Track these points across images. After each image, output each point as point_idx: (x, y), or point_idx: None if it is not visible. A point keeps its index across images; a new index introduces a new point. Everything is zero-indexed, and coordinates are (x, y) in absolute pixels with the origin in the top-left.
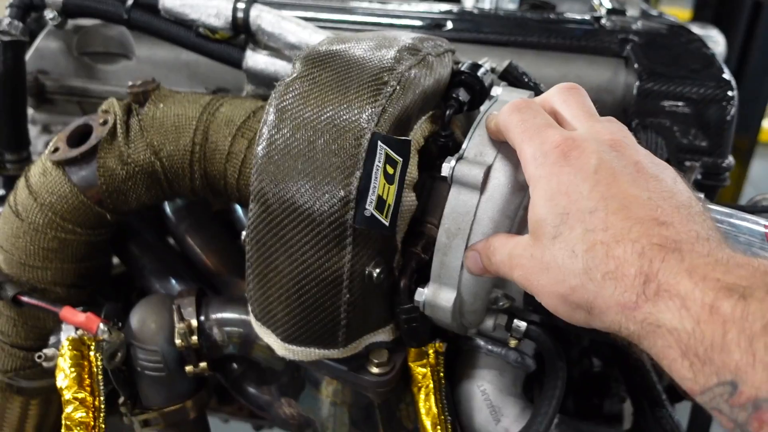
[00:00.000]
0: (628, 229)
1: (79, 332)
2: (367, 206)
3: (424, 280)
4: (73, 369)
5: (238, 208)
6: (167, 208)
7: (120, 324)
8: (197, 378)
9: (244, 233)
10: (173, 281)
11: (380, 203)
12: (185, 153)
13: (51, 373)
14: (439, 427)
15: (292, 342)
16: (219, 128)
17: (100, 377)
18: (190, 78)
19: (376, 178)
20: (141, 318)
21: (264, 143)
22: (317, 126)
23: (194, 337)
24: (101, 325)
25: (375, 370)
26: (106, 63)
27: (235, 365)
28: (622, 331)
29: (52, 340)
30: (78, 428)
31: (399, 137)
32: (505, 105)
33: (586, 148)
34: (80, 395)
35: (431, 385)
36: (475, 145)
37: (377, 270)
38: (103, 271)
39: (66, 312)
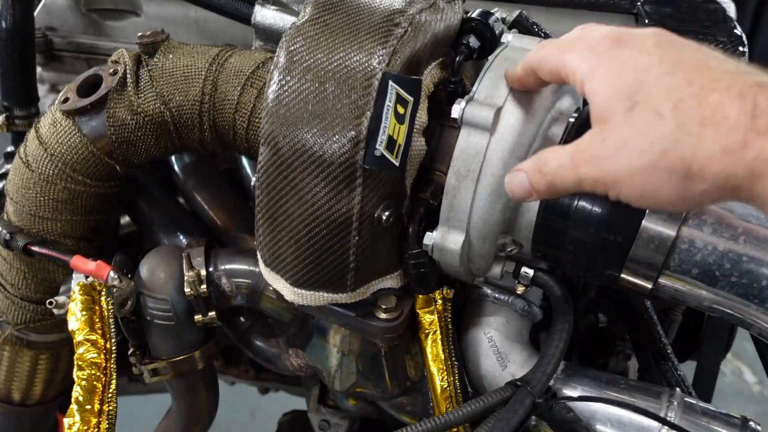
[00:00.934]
0: (716, 79)
1: (90, 279)
2: (377, 146)
3: (432, 226)
4: (84, 312)
5: (246, 166)
6: (175, 165)
7: (129, 275)
8: (205, 329)
9: (254, 178)
10: (181, 236)
11: (390, 143)
12: (194, 103)
13: (61, 327)
14: (445, 372)
15: (301, 286)
16: (228, 78)
17: (110, 321)
18: (199, 35)
19: (386, 117)
20: (151, 267)
21: (274, 87)
22: (328, 68)
23: (203, 286)
24: (111, 273)
25: (383, 315)
26: (114, 19)
27: (242, 318)
28: (729, 181)
29: (63, 288)
30: (90, 368)
31: (410, 76)
32: (518, 51)
33: (638, 33)
34: (92, 337)
35: (438, 332)
36: (486, 87)
37: (386, 213)
38: (112, 227)
39: (76, 260)
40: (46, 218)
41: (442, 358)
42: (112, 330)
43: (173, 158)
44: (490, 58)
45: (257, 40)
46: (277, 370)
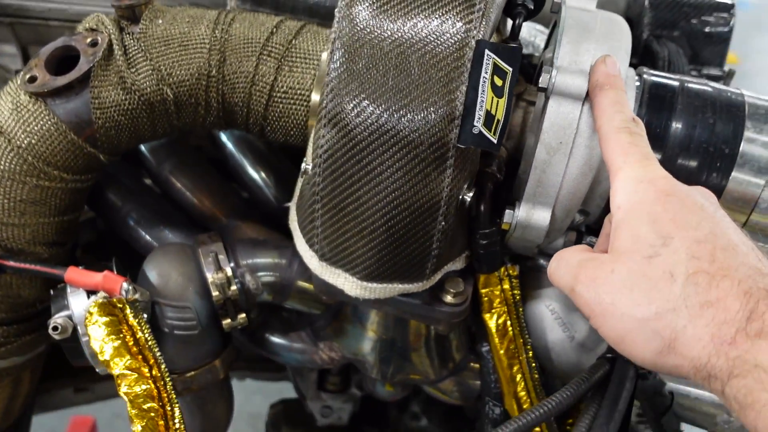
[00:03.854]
0: (735, 267)
1: (101, 295)
2: (475, 123)
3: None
4: (112, 337)
5: (227, 143)
6: (143, 148)
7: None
8: (223, 332)
9: (306, 165)
10: (166, 230)
11: (488, 119)
12: (200, 77)
13: (26, 348)
14: (516, 350)
15: (373, 279)
16: (238, 48)
17: (151, 342)
18: None
19: (483, 91)
20: (163, 271)
21: (342, 59)
22: (407, 37)
23: (233, 287)
24: (125, 284)
25: (451, 300)
26: None
27: (252, 315)
28: (706, 369)
29: (56, 306)
30: (146, 403)
31: (508, 44)
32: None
33: (689, 190)
34: (134, 365)
35: (504, 310)
36: (567, 53)
37: (470, 194)
38: (78, 225)
39: (73, 273)
40: (10, 224)
41: (511, 335)
42: (157, 352)
43: None
44: (560, 21)
45: None
46: (295, 365)
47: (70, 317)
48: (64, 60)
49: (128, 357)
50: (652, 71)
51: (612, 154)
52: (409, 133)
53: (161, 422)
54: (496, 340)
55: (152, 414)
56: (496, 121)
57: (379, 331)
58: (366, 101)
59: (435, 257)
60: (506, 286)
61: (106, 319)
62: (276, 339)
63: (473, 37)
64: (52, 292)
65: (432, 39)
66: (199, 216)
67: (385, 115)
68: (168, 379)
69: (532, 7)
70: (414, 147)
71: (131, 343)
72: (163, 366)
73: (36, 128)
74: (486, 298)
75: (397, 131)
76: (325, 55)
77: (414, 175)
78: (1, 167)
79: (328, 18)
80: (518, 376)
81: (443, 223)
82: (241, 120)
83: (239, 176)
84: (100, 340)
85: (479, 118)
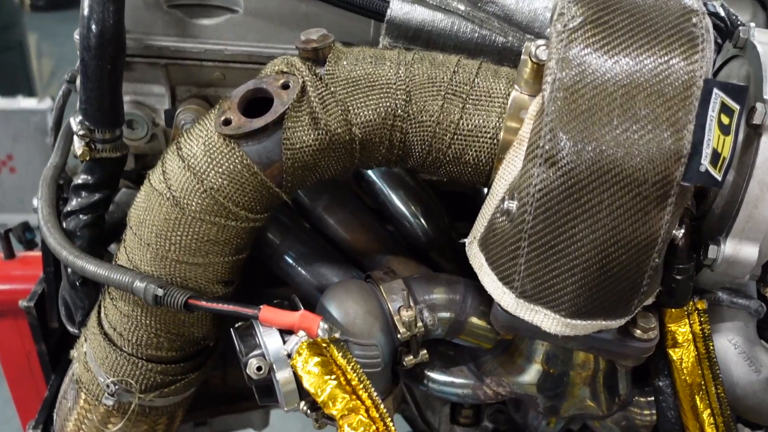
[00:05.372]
0: None
1: (302, 334)
2: (702, 161)
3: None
4: (328, 378)
5: (377, 180)
6: None
7: None
8: (394, 370)
9: (510, 203)
10: (322, 268)
11: (715, 157)
12: (386, 117)
13: (190, 385)
14: (705, 384)
15: (577, 317)
16: (423, 88)
17: (366, 383)
18: None
19: (710, 129)
20: (349, 309)
21: (562, 99)
22: (634, 76)
23: (419, 325)
24: (322, 323)
25: (642, 335)
26: (204, 17)
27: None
28: None
29: (248, 347)
30: None
31: (736, 83)
32: None
33: None
34: (354, 405)
35: (691, 344)
36: None
37: (681, 231)
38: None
39: (267, 313)
40: (195, 264)
41: (699, 372)
42: (374, 392)
43: None
44: (759, 56)
45: (386, 37)
46: (455, 401)
47: (263, 356)
48: (253, 102)
49: (347, 397)
50: None
51: None
52: (633, 171)
53: None
54: (682, 375)
55: None
56: (722, 159)
57: (548, 365)
58: (588, 141)
59: (643, 294)
60: (694, 320)
61: (317, 359)
62: (437, 375)
63: (700, 76)
64: (233, 331)
65: (658, 78)
66: (351, 251)
67: (608, 154)
68: (389, 421)
69: (721, 42)
70: (637, 185)
71: (344, 383)
72: (381, 407)
73: (228, 169)
74: (671, 333)
75: (620, 170)
76: (515, 94)
77: (634, 213)
78: (193, 208)
79: (477, 53)
80: (706, 413)
81: (657, 260)
82: (419, 158)
83: (386, 211)
84: (316, 379)
85: (706, 156)
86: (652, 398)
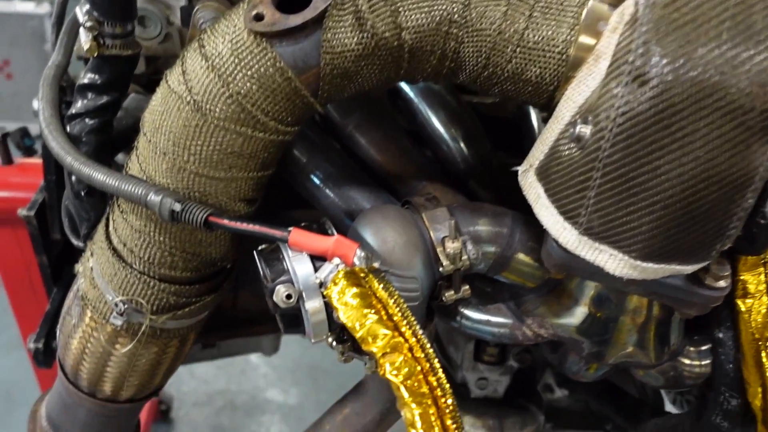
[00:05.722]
0: None
1: (336, 261)
2: None
3: None
4: (368, 312)
5: (414, 97)
6: None
7: None
8: (429, 306)
9: (582, 128)
10: (352, 190)
11: None
12: (440, 23)
13: (205, 308)
14: None
15: (650, 259)
16: None
17: (410, 319)
18: None
19: None
20: (389, 237)
21: (661, 4)
22: None
23: (464, 258)
24: (359, 251)
25: (714, 283)
26: None
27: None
28: None
29: (274, 272)
30: (420, 385)
31: None
32: None
33: None
34: (397, 343)
35: (764, 297)
36: None
37: None
38: None
39: (298, 236)
40: (216, 178)
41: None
42: (419, 330)
43: None
44: None
45: None
46: (490, 340)
47: (291, 283)
48: None
49: (390, 334)
50: None
51: None
52: (740, 96)
53: (433, 410)
54: (749, 328)
55: (427, 401)
56: None
57: (597, 309)
58: (689, 58)
59: (727, 238)
60: None
61: (356, 290)
62: (472, 312)
63: None
64: (257, 254)
65: None
66: (383, 175)
67: (711, 74)
68: (436, 362)
69: None
70: (743, 113)
71: (385, 318)
72: (428, 346)
73: (258, 72)
74: (742, 282)
75: (724, 93)
76: (592, 2)
77: (734, 145)
78: (216, 114)
79: None
80: None
81: (750, 200)
82: (472, 73)
83: (423, 133)
84: (354, 313)
85: None
86: (706, 348)
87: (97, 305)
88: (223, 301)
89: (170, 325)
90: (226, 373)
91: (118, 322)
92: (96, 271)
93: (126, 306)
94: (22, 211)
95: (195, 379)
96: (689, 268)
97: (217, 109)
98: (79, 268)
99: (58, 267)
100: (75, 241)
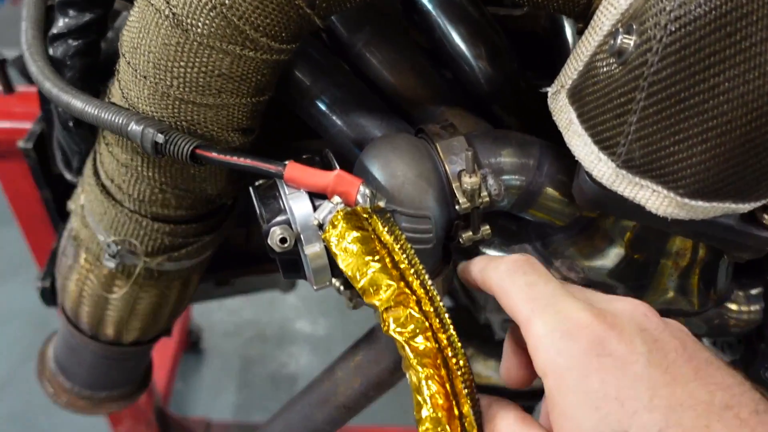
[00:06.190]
0: None
1: (336, 200)
2: None
3: None
4: (369, 258)
5: (432, 9)
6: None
7: None
8: (446, 247)
9: (624, 39)
10: (362, 116)
11: None
12: None
13: (205, 249)
14: None
15: (699, 197)
16: None
17: (418, 268)
18: None
19: None
20: (399, 170)
21: None
22: None
23: (483, 194)
24: (362, 188)
25: None
26: None
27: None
28: None
29: (270, 211)
30: (425, 343)
31: None
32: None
33: (627, 329)
34: (402, 295)
35: None
36: None
37: None
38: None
39: (294, 170)
40: (204, 105)
41: None
42: (428, 280)
43: None
44: None
45: None
46: None
47: (288, 225)
48: None
49: (394, 285)
50: None
51: (514, 305)
52: None
53: (443, 372)
54: None
55: (436, 361)
56: None
57: (634, 250)
58: None
59: None
60: None
61: (357, 234)
62: (495, 253)
63: None
64: (252, 190)
65: None
66: (397, 99)
67: None
68: (447, 318)
69: None
70: None
71: (390, 266)
72: (438, 299)
73: None
74: None
75: None
76: None
77: None
78: (198, 30)
79: None
80: None
81: None
82: None
83: (442, 50)
84: (354, 260)
85: None
86: (756, 292)
87: (90, 246)
88: (235, 237)
89: (168, 267)
90: (255, 305)
91: (111, 264)
92: (86, 209)
93: (118, 247)
94: (20, 143)
95: (223, 309)
96: (745, 207)
97: (200, 24)
98: (71, 205)
99: (64, 202)
100: (68, 176)
